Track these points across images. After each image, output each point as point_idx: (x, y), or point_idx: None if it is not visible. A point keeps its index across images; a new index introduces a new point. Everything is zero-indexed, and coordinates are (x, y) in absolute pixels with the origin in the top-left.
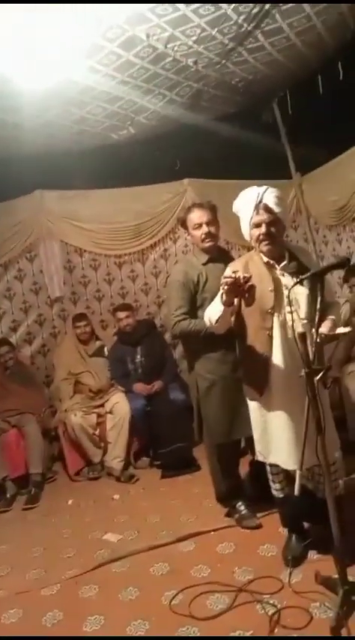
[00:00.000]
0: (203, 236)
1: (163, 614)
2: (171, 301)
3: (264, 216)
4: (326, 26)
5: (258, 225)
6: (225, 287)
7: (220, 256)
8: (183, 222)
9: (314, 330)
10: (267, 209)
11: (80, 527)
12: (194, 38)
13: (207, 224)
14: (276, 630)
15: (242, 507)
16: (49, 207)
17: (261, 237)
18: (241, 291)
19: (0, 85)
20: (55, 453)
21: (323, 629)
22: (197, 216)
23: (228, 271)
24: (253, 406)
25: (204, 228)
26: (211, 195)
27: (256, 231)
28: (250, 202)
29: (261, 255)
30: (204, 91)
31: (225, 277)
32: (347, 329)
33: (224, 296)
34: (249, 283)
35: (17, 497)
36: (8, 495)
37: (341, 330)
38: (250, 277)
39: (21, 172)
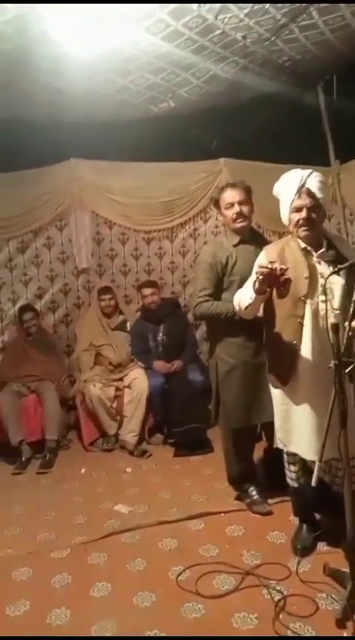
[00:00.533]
0: (234, 216)
1: (170, 588)
2: (197, 282)
3: (305, 200)
4: None
5: (298, 210)
6: (261, 277)
7: (252, 238)
8: (216, 202)
9: (347, 322)
10: (310, 193)
11: (92, 496)
12: (246, 11)
13: (240, 204)
14: (281, 616)
15: (254, 492)
16: (82, 176)
17: (301, 221)
18: (276, 282)
19: (47, 48)
20: (71, 421)
21: (329, 620)
22: (230, 195)
23: (263, 259)
24: (276, 394)
25: (236, 208)
26: (246, 176)
27: (296, 216)
28: (292, 185)
29: (299, 240)
30: (250, 69)
31: (261, 267)
32: None
33: (257, 284)
34: (286, 276)
35: (32, 461)
36: (23, 458)
37: None
38: (287, 269)
39: (58, 139)
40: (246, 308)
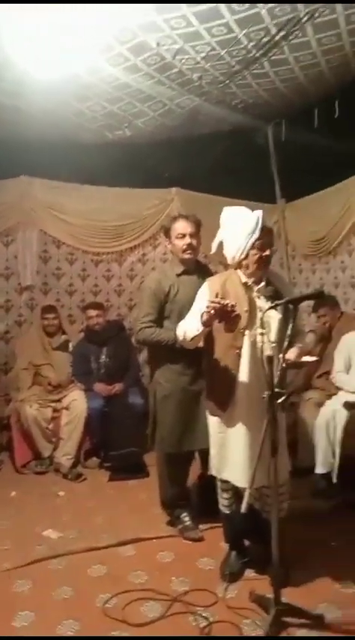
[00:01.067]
0: (184, 247)
1: (95, 616)
2: (141, 307)
3: (268, 239)
4: (330, 65)
5: (262, 248)
6: (212, 311)
7: (196, 269)
8: (166, 231)
9: (281, 354)
10: (271, 234)
11: (21, 520)
12: (202, 55)
13: (191, 236)
14: None
15: (186, 518)
16: (33, 194)
17: (264, 259)
18: (226, 317)
19: (5, 68)
20: (3, 442)
21: None
22: (182, 226)
23: (206, 290)
24: (213, 422)
25: (187, 239)
26: (197, 207)
27: (258, 253)
28: (251, 221)
29: (240, 275)
30: (204, 107)
31: (213, 302)
32: (313, 358)
33: (205, 316)
34: (236, 313)
35: None
36: None
37: (307, 358)
38: (235, 305)
39: (11, 155)
40: (192, 339)
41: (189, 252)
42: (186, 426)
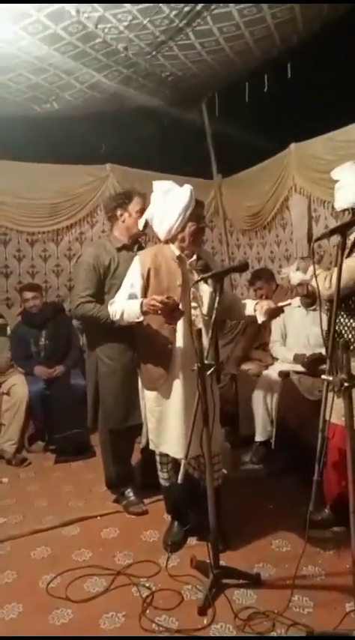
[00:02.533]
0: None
1: (39, 597)
2: (78, 282)
3: (201, 211)
4: (254, 38)
5: (198, 221)
6: (158, 311)
7: (133, 245)
8: (120, 205)
9: (210, 327)
10: (203, 206)
11: None
12: (125, 23)
13: (141, 212)
14: (148, 611)
15: (130, 494)
16: None
17: (199, 230)
18: (169, 314)
19: None
20: None
21: (192, 609)
22: (141, 202)
23: (137, 265)
24: (150, 396)
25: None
26: (133, 183)
27: (193, 225)
28: (184, 195)
29: (173, 248)
30: (133, 79)
31: (161, 302)
32: (288, 301)
33: (145, 308)
34: (180, 310)
35: None
36: None
37: (282, 303)
38: (179, 303)
39: None
40: (130, 323)
41: (143, 229)
42: (129, 401)
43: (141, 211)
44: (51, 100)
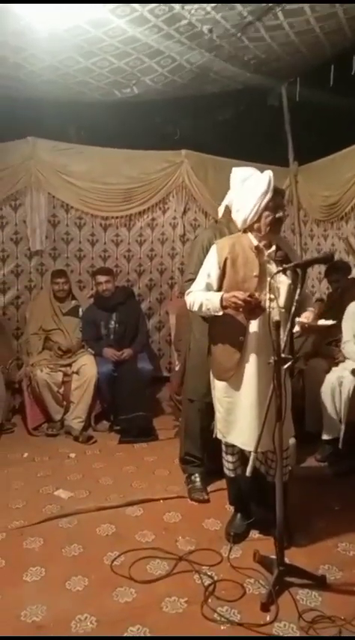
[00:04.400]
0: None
1: (103, 572)
2: (189, 261)
3: (281, 201)
4: (348, 16)
5: (275, 210)
6: (240, 308)
7: None
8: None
9: (289, 320)
10: (283, 195)
11: (32, 480)
12: (213, 4)
13: None
14: (210, 600)
15: (197, 479)
16: (40, 156)
17: (276, 221)
18: (250, 310)
19: (9, 21)
20: (16, 405)
21: (254, 604)
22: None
23: (214, 253)
24: (220, 386)
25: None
26: (208, 170)
27: (270, 215)
28: (263, 183)
29: (251, 238)
30: (215, 62)
31: (244, 300)
32: (328, 322)
33: (226, 303)
34: (262, 308)
35: None
36: None
37: (323, 322)
38: (261, 301)
39: (16, 115)
40: (208, 316)
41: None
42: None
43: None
44: (131, 85)
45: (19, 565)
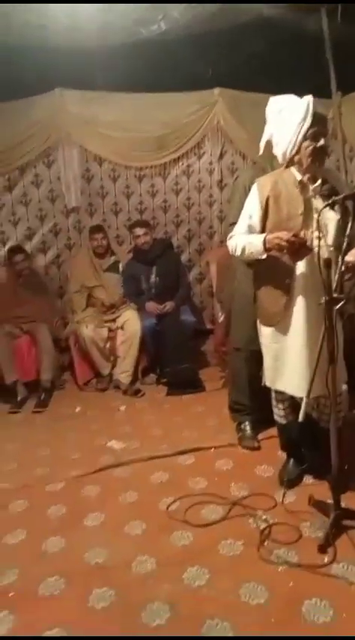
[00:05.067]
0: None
1: (160, 517)
2: (232, 204)
3: (322, 128)
4: None
5: (315, 138)
6: (285, 249)
7: None
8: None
9: (340, 257)
10: (324, 120)
11: (86, 433)
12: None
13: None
14: (266, 543)
15: (247, 427)
16: (68, 108)
17: (318, 150)
18: (296, 251)
19: None
20: (65, 362)
21: (311, 546)
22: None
23: (255, 191)
24: (266, 332)
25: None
26: (244, 108)
27: (311, 144)
28: (300, 110)
29: (295, 173)
30: None
31: (287, 240)
32: None
33: (268, 245)
34: (307, 248)
35: (27, 400)
36: (19, 398)
37: None
38: (306, 241)
39: (41, 67)
40: (252, 260)
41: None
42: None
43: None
44: (158, 20)
45: (79, 511)
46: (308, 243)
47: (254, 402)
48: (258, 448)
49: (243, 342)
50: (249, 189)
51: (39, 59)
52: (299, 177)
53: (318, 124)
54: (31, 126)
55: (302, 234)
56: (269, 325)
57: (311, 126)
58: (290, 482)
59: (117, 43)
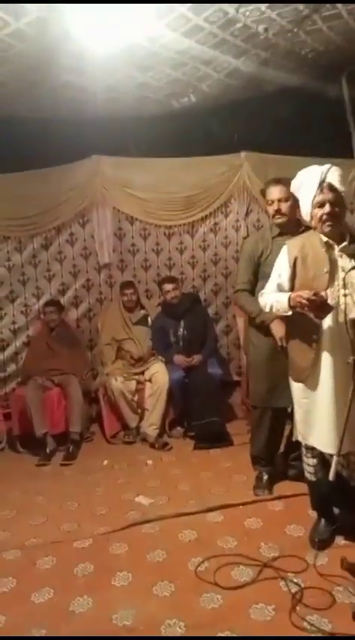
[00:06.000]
0: (273, 212)
1: (188, 578)
2: (239, 270)
3: (328, 195)
4: None
5: (321, 205)
6: (306, 307)
7: (296, 230)
8: (263, 193)
9: None
10: (332, 188)
11: (113, 487)
12: (267, 3)
13: (279, 201)
14: (298, 608)
15: (264, 477)
16: (104, 172)
17: (325, 217)
18: (317, 309)
19: (68, 46)
20: (93, 414)
21: (345, 613)
22: (271, 192)
23: (285, 255)
24: (297, 388)
25: (275, 205)
26: (268, 170)
27: (319, 211)
28: (313, 181)
29: (321, 235)
30: (271, 61)
31: (308, 299)
32: None
33: (293, 303)
34: (328, 306)
35: (56, 452)
36: (48, 450)
37: None
38: (327, 298)
39: (80, 137)
40: (278, 316)
41: (278, 217)
42: (272, 384)
43: (278, 200)
44: (189, 94)
45: (107, 570)
46: (333, 301)
47: (272, 455)
48: (271, 497)
49: (257, 400)
50: (250, 253)
51: (77, 129)
52: (324, 238)
53: (325, 193)
54: (69, 189)
55: (323, 293)
56: (299, 381)
57: (318, 194)
58: (321, 542)
59: (150, 113)
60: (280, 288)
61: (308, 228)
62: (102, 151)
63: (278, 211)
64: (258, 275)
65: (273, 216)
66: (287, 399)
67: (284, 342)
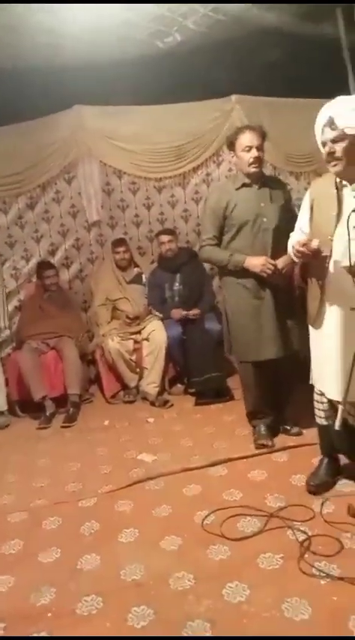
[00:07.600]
0: (251, 160)
1: (195, 532)
2: (202, 226)
3: (329, 134)
4: None
5: (323, 144)
6: (298, 257)
7: (261, 181)
8: (231, 144)
9: None
10: (334, 125)
11: (116, 446)
12: None
13: (257, 148)
14: (306, 556)
15: (261, 429)
16: (88, 124)
17: (327, 157)
18: (312, 258)
19: None
20: (92, 376)
21: (353, 558)
22: (248, 138)
23: (306, 195)
24: (311, 331)
25: (254, 152)
26: (261, 114)
27: (325, 149)
28: (320, 119)
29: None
30: None
31: (298, 251)
32: None
33: (293, 252)
34: (323, 253)
35: (56, 415)
36: (47, 413)
37: None
38: (319, 248)
39: (60, 85)
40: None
41: (255, 165)
42: (256, 337)
43: (249, 148)
44: (173, 32)
45: (113, 527)
46: (322, 249)
47: (268, 406)
48: (272, 446)
49: (242, 354)
50: (214, 207)
51: (56, 77)
52: (338, 179)
53: (327, 131)
54: (52, 144)
55: (314, 242)
56: (311, 325)
57: (321, 134)
58: (314, 487)
59: (134, 56)
60: (302, 231)
61: (269, 177)
62: (84, 101)
63: (256, 159)
64: (223, 230)
65: (251, 164)
66: (275, 349)
67: (270, 264)
